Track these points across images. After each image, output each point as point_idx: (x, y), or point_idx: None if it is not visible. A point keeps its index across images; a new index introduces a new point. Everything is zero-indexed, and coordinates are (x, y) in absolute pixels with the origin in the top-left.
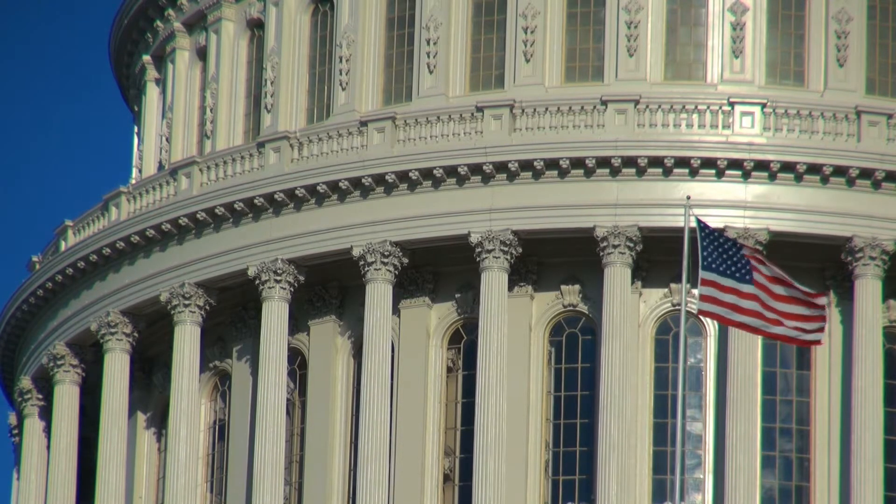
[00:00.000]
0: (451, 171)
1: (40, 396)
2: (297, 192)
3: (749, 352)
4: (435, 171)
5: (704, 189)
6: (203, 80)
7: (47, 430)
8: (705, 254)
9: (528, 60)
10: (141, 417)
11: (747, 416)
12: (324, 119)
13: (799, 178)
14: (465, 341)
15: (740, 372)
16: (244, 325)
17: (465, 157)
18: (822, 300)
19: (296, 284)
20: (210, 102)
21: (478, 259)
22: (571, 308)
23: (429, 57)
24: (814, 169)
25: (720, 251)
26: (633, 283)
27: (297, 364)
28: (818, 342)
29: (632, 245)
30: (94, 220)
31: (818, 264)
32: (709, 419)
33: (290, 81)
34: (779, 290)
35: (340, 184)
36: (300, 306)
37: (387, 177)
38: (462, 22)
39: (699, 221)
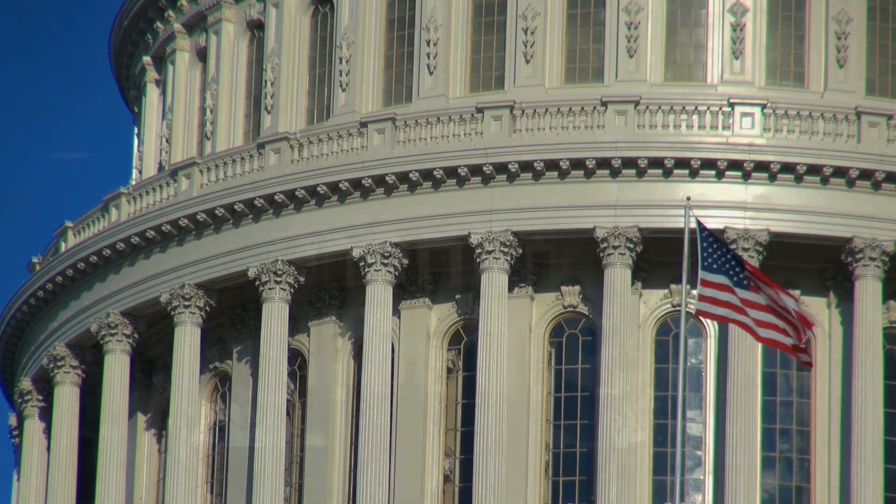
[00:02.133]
0: (451, 172)
1: (40, 397)
2: (297, 193)
3: (749, 353)
4: (435, 173)
5: (704, 190)
6: (203, 82)
7: (47, 432)
8: (705, 255)
9: (528, 61)
10: (141, 418)
11: (747, 417)
12: (324, 120)
13: (799, 179)
14: (465, 342)
15: (740, 373)
16: (244, 327)
17: (465, 158)
18: (808, 333)
19: (296, 285)
20: (210, 103)
21: (478, 260)
22: (571, 309)
23: (429, 58)
24: (814, 170)
25: (720, 252)
26: (633, 284)
27: (297, 365)
28: (809, 363)
29: (632, 246)
30: (94, 221)
31: (818, 265)
32: (709, 420)
33: (290, 82)
34: (774, 307)
35: (340, 185)
36: (300, 307)
37: (387, 178)
38: (462, 23)
39: (699, 223)
